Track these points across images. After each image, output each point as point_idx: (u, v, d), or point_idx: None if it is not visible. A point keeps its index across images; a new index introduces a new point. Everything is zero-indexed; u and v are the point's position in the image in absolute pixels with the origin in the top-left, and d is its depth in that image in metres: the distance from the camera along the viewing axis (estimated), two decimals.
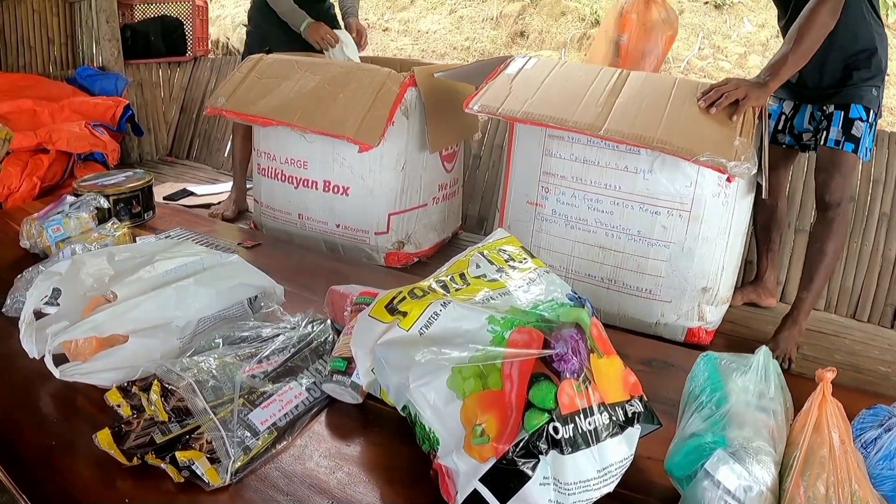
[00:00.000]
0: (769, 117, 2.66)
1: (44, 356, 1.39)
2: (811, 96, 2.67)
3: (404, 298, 1.22)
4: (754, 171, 2.26)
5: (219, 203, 4.14)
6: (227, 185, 4.42)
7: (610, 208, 2.54)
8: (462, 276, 1.29)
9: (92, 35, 5.22)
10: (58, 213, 2.19)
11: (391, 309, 1.21)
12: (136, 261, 1.62)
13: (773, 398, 1.17)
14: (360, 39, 3.76)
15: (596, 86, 2.53)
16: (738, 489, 1.02)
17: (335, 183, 3.02)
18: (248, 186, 3.97)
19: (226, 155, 5.07)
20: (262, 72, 3.15)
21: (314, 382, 1.39)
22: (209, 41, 5.80)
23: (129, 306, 1.43)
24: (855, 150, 2.50)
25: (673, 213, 2.46)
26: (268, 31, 3.70)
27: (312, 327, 1.51)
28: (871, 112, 2.53)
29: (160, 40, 5.40)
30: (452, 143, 3.29)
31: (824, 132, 2.57)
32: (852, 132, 2.51)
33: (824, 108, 2.61)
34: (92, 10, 5.14)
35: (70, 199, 2.33)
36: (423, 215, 3.21)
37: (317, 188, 3.05)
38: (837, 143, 2.52)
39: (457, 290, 1.25)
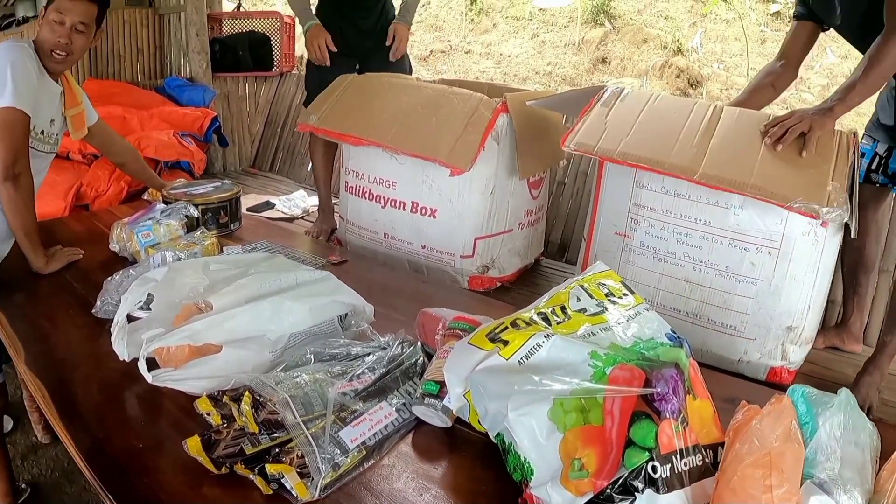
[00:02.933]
0: (862, 156, 2.52)
1: (134, 359, 1.42)
2: None
3: (506, 328, 1.22)
4: (846, 217, 2.20)
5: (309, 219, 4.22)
6: (313, 200, 4.41)
7: (699, 243, 2.50)
8: (563, 308, 1.29)
9: (181, 47, 5.38)
10: (148, 220, 2.26)
11: (493, 338, 1.21)
12: (231, 272, 1.65)
13: (861, 433, 1.19)
14: (396, 45, 3.61)
15: (690, 123, 2.49)
16: None
17: (423, 205, 3.02)
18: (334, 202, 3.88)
19: (309, 170, 5.13)
20: (353, 91, 3.19)
21: (403, 404, 1.39)
22: (295, 57, 5.90)
23: (225, 317, 1.46)
24: None
25: (762, 250, 2.41)
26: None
27: (402, 349, 1.51)
28: None
29: (248, 55, 5.52)
30: (541, 171, 3.27)
31: None
32: None
33: None
34: (181, 22, 5.30)
35: (160, 206, 2.40)
36: (508, 241, 3.19)
37: (404, 209, 3.06)
38: None
39: (558, 323, 1.25)
